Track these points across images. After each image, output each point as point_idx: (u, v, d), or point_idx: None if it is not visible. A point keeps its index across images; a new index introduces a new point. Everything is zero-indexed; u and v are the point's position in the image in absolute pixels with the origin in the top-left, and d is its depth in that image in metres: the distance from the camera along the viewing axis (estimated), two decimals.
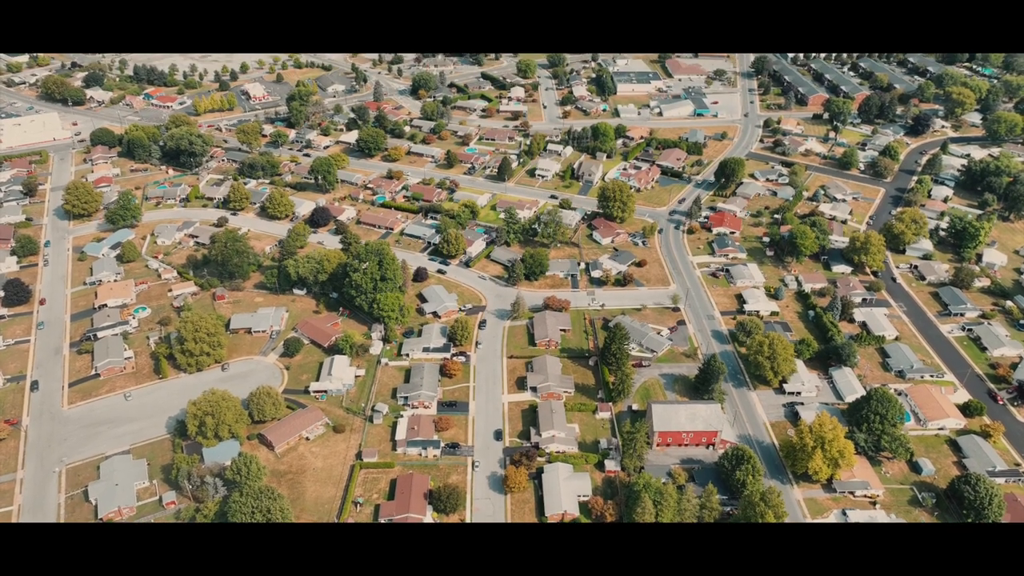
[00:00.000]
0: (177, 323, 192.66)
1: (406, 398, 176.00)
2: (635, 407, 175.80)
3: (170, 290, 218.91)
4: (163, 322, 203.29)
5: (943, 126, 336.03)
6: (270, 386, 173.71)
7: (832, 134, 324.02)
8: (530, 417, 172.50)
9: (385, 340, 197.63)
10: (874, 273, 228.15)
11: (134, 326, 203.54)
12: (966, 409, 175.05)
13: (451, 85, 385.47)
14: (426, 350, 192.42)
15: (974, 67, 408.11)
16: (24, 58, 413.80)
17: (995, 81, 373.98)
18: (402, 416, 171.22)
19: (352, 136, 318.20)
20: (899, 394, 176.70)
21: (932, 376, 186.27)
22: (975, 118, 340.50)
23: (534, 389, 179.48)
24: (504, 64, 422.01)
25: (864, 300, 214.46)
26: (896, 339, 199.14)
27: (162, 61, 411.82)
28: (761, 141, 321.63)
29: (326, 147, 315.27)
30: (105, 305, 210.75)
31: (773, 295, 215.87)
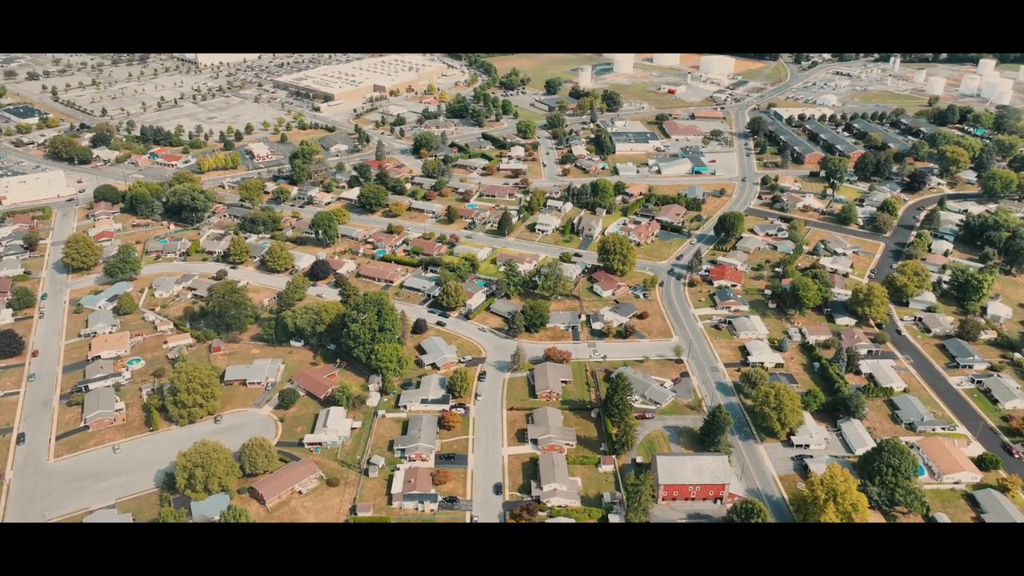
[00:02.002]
0: (171, 374, 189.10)
1: (403, 450, 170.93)
2: (639, 460, 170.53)
3: (165, 342, 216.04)
4: (157, 374, 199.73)
5: (939, 183, 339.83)
6: (263, 438, 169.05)
7: (830, 190, 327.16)
8: (531, 470, 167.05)
9: (383, 392, 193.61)
10: (878, 325, 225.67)
11: (127, 378, 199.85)
12: (981, 462, 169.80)
13: (452, 145, 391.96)
14: (424, 402, 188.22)
15: (966, 128, 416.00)
16: (34, 119, 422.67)
17: (987, 141, 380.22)
18: (398, 469, 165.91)
19: (353, 193, 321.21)
20: (911, 447, 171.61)
21: (944, 429, 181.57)
22: (970, 176, 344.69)
23: (535, 441, 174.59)
24: (504, 125, 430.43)
25: (870, 352, 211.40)
26: (904, 391, 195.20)
27: (169, 122, 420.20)
28: (759, 197, 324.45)
29: (327, 203, 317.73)
30: (98, 357, 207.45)
31: (777, 347, 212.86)
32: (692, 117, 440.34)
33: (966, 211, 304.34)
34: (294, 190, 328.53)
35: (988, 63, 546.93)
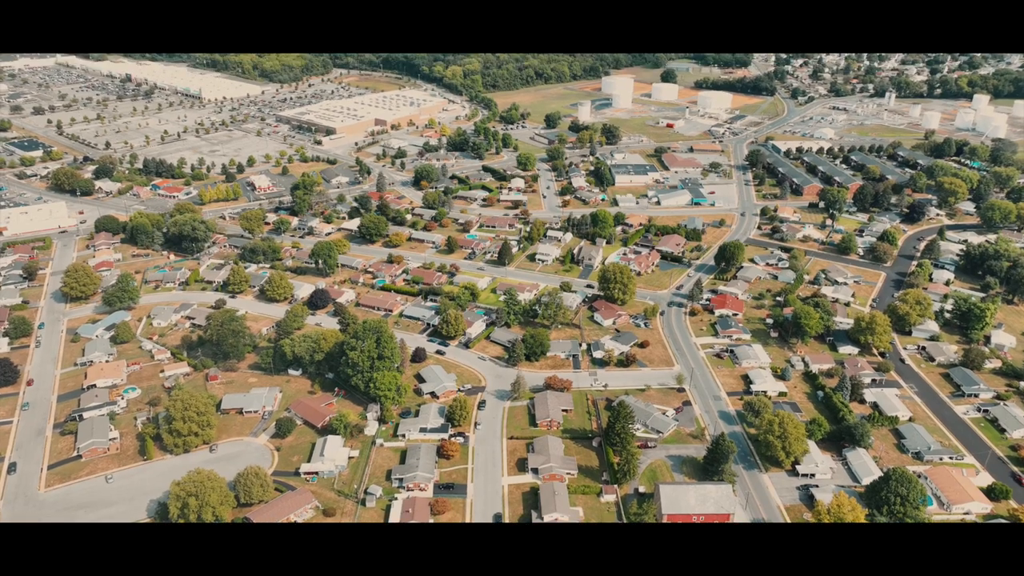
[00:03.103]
0: (166, 403, 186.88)
1: (401, 480, 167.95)
2: (642, 489, 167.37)
3: (162, 371, 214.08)
4: (153, 402, 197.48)
5: (938, 214, 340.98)
6: (259, 467, 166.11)
7: (829, 221, 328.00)
8: (531, 500, 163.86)
9: (381, 420, 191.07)
10: (881, 354, 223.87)
11: (122, 407, 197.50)
12: (991, 493, 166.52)
13: (452, 177, 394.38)
14: (423, 430, 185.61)
15: (962, 160, 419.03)
16: (38, 152, 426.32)
17: (985, 173, 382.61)
18: (396, 499, 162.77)
19: (354, 223, 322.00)
20: (919, 476, 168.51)
21: (951, 458, 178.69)
22: (968, 207, 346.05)
23: (535, 471, 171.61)
24: (504, 158, 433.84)
25: (874, 381, 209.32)
26: (910, 420, 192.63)
27: (172, 155, 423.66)
28: (759, 228, 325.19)
29: (328, 234, 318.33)
30: (94, 385, 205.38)
31: (780, 376, 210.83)
32: (691, 150, 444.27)
33: (966, 241, 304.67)
34: (295, 221, 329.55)
35: (982, 98, 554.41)
